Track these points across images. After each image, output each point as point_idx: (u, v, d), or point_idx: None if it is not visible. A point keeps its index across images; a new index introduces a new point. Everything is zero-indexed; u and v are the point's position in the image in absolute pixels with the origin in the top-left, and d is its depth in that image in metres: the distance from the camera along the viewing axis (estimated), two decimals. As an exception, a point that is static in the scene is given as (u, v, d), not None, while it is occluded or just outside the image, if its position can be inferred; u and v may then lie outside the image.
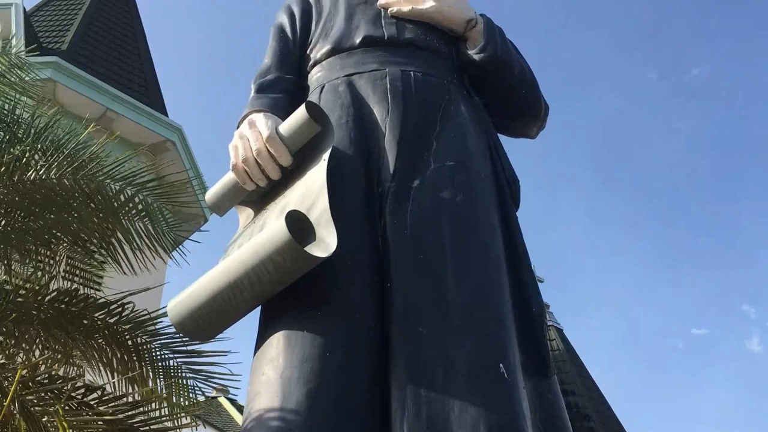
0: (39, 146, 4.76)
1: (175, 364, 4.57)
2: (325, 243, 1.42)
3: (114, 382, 4.39)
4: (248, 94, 1.95)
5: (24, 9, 11.88)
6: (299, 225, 1.43)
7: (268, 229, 1.42)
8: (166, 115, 13.08)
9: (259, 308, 1.53)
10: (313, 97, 1.88)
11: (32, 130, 4.89)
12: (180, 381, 4.55)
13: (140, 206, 5.26)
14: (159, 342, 4.55)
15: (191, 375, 4.60)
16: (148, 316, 4.48)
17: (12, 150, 4.57)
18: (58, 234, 4.88)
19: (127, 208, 5.12)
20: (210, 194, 1.76)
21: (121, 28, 14.31)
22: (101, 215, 4.91)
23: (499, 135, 1.98)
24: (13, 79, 5.36)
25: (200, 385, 4.63)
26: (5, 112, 4.95)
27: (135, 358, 4.49)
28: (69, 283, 5.79)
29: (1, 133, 4.78)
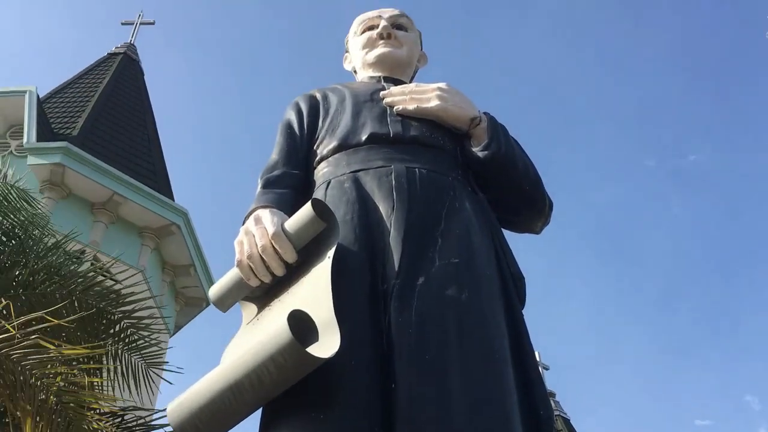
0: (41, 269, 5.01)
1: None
2: (328, 344, 1.40)
3: None
4: (256, 175, 1.98)
5: (38, 96, 12.20)
6: (302, 325, 1.41)
7: (270, 329, 1.40)
8: (173, 198, 13.23)
9: (259, 411, 1.50)
10: (319, 192, 1.90)
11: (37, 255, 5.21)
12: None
13: (129, 337, 5.57)
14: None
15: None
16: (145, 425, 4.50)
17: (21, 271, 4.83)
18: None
19: (116, 338, 5.42)
20: (214, 290, 1.75)
21: (131, 114, 14.66)
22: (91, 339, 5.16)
23: (503, 230, 1.99)
24: (21, 216, 5.69)
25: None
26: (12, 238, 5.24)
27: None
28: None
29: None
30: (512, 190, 1.99)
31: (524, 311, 1.80)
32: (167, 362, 6.58)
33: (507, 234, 2.01)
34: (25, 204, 6.20)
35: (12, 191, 6.19)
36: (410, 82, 2.40)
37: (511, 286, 1.76)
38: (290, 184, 1.95)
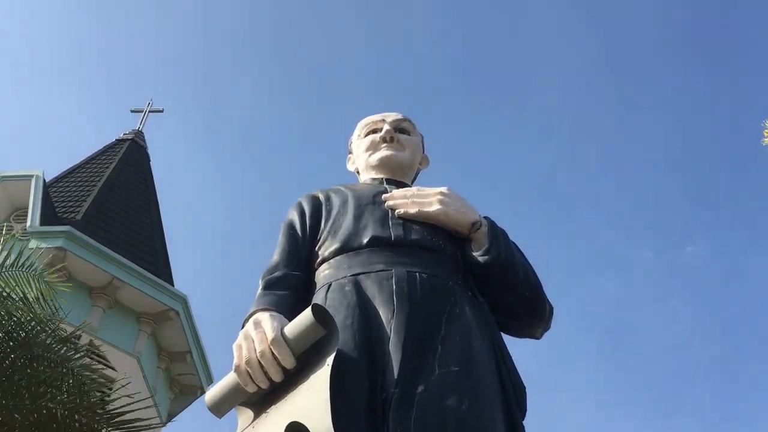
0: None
1: None
2: None
3: None
4: (257, 264, 1.98)
5: (44, 180, 12.37)
6: None
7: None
8: (172, 283, 13.18)
9: None
10: (319, 295, 1.90)
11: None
12: None
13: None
14: None
15: None
16: None
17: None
18: None
19: None
20: (210, 396, 1.72)
21: (136, 199, 14.81)
22: None
23: (504, 335, 1.98)
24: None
25: None
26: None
27: None
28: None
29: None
30: (513, 296, 1.99)
31: (525, 421, 1.77)
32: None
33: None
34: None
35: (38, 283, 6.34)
36: (412, 184, 2.44)
37: (512, 396, 1.74)
38: (291, 285, 1.96)
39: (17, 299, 6.15)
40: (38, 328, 5.81)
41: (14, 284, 6.33)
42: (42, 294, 6.36)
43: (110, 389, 6.32)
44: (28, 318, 5.83)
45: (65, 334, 6.02)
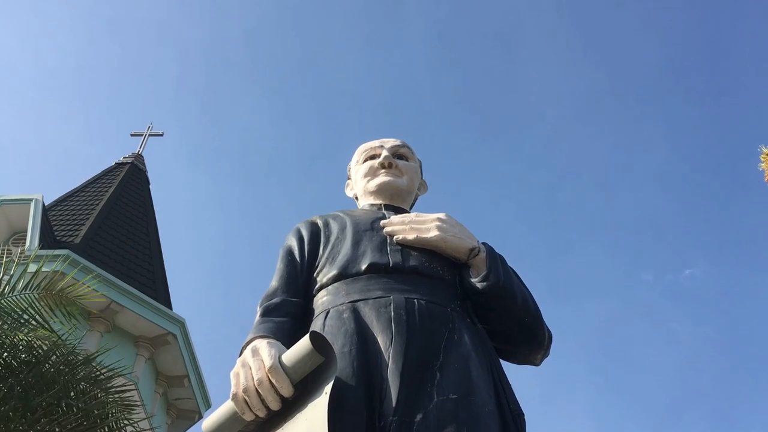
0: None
1: None
2: None
3: None
4: (256, 287, 1.98)
5: (43, 204, 12.37)
6: None
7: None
8: (170, 307, 13.13)
9: None
10: (317, 322, 1.89)
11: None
12: None
13: None
14: None
15: None
16: None
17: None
18: None
19: None
20: (207, 424, 1.71)
21: (135, 222, 14.80)
22: None
23: (502, 361, 1.97)
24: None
25: None
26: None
27: None
28: None
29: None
30: (511, 322, 1.99)
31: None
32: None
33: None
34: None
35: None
36: (411, 209, 2.44)
37: (511, 423, 1.73)
38: (289, 312, 1.95)
39: (35, 323, 6.15)
40: (58, 353, 5.80)
41: (27, 306, 6.34)
42: (64, 315, 6.37)
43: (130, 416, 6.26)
44: (52, 341, 5.83)
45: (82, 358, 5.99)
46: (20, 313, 6.25)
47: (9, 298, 6.43)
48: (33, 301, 6.40)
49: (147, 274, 13.37)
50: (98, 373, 6.02)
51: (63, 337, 6.32)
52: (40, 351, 5.76)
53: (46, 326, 6.12)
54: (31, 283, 6.60)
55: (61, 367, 5.68)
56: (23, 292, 6.54)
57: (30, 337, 5.87)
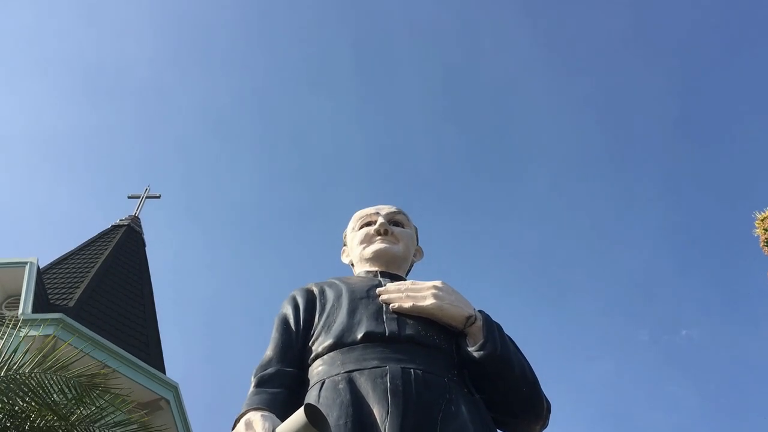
0: None
1: None
2: None
3: None
4: (251, 350, 1.95)
5: (38, 267, 12.32)
6: None
7: None
8: (164, 370, 12.94)
9: None
10: (312, 392, 1.87)
11: None
12: None
13: None
14: None
15: None
16: None
17: None
18: None
19: None
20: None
21: (130, 285, 14.72)
22: None
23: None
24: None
25: None
26: None
27: None
28: None
29: None
30: (509, 392, 1.96)
31: None
32: None
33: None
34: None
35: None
36: (407, 276, 2.44)
37: (510, 498, 1.69)
38: (284, 383, 1.92)
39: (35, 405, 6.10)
40: None
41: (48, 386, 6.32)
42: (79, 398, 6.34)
43: None
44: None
45: None
46: (22, 395, 6.19)
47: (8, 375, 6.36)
48: (26, 379, 6.32)
49: (140, 337, 13.22)
50: None
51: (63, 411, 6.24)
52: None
53: (51, 404, 6.03)
54: (25, 349, 6.52)
55: None
56: (20, 369, 6.47)
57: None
